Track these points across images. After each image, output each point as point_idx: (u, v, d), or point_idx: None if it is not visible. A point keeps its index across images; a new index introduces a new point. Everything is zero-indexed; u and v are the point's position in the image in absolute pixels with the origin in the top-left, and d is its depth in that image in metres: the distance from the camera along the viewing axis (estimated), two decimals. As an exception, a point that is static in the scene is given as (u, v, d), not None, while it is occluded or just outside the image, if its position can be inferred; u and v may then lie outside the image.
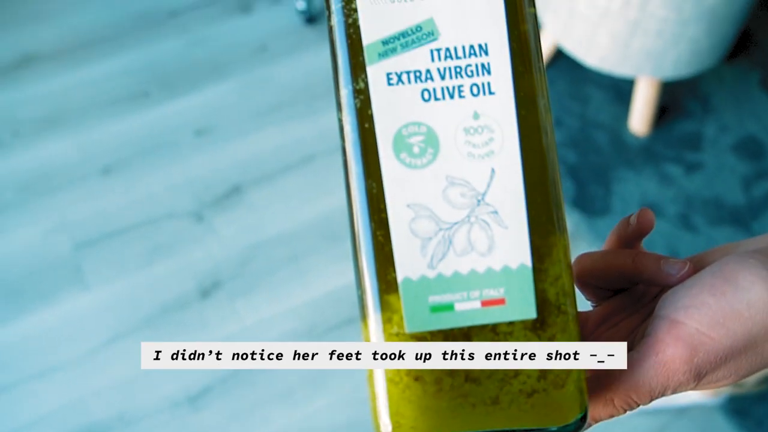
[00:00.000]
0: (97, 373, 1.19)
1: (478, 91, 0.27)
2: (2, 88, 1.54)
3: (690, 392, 1.14)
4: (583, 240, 1.35)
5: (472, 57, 0.27)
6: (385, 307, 0.27)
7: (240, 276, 1.29)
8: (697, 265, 0.31)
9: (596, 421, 0.29)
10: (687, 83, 1.56)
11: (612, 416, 0.29)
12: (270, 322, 1.25)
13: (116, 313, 1.25)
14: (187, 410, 1.16)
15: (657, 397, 0.28)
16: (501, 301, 0.27)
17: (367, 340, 0.27)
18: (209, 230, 1.35)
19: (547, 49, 1.51)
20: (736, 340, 0.26)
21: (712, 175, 1.44)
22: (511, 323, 0.27)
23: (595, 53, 1.36)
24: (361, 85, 0.27)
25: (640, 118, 1.47)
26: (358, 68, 0.27)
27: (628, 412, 0.29)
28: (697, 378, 0.27)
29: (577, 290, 0.34)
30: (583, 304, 0.34)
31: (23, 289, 1.28)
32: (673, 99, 1.54)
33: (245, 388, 1.18)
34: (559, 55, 1.57)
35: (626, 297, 0.33)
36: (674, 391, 0.28)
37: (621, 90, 1.54)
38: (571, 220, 1.37)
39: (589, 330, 0.33)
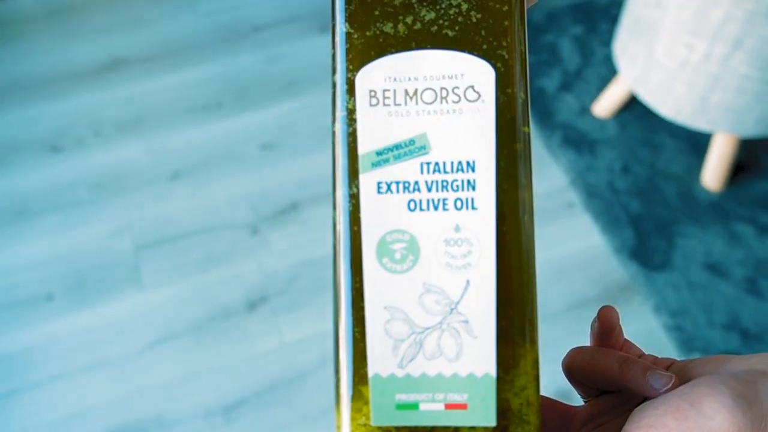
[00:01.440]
0: (141, 373, 1.23)
1: (461, 205, 0.29)
2: (91, 89, 1.63)
3: None
4: (638, 293, 1.31)
5: (459, 173, 0.29)
6: (356, 397, 0.29)
7: (287, 292, 1.32)
8: (682, 377, 0.31)
9: None
10: (769, 140, 1.48)
11: None
12: (310, 342, 1.26)
13: (166, 315, 1.29)
14: (221, 420, 1.19)
15: None
16: (463, 406, 0.28)
17: (339, 426, 0.29)
18: (263, 244, 1.38)
19: (621, 94, 1.47)
20: None
21: (787, 240, 1.37)
22: (472, 428, 0.28)
23: (671, 104, 1.31)
24: (354, 190, 0.29)
25: (713, 172, 1.41)
26: (353, 174, 0.29)
27: None
28: None
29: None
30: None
31: (84, 283, 1.34)
32: (752, 156, 1.47)
33: (279, 405, 1.20)
34: (634, 100, 1.53)
35: (614, 398, 0.34)
36: None
37: (697, 141, 1.48)
38: (627, 271, 1.33)
39: (575, 427, 0.34)
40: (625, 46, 1.37)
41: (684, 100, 1.29)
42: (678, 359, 0.33)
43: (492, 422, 0.28)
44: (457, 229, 0.29)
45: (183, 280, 1.34)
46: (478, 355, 0.28)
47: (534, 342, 0.29)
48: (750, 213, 1.40)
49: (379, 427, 0.29)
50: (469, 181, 0.29)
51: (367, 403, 0.29)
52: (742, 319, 1.27)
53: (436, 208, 0.29)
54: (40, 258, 1.38)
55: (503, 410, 0.28)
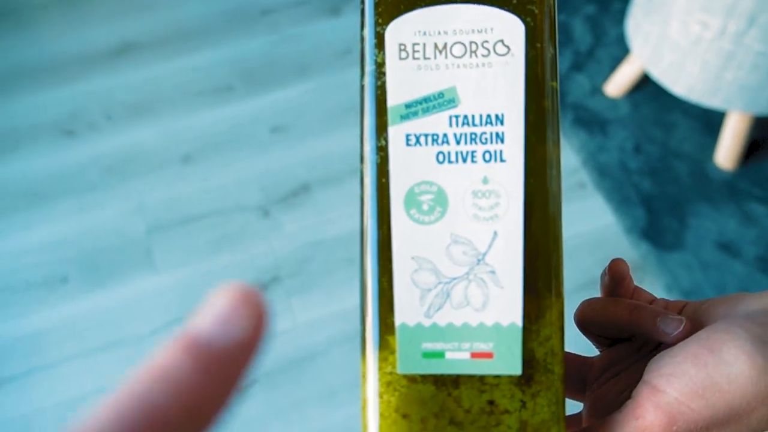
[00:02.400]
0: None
1: (490, 157, 0.29)
2: (103, 73, 1.63)
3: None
4: (649, 273, 1.30)
5: (488, 125, 0.29)
6: (383, 346, 0.29)
7: (298, 274, 1.32)
8: (696, 319, 0.31)
9: None
10: (784, 119, 1.46)
11: None
12: (321, 323, 1.27)
13: (179, 297, 1.31)
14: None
15: None
16: (489, 355, 0.29)
17: (364, 374, 0.29)
18: (274, 226, 1.38)
19: (634, 73, 1.46)
20: (716, 412, 0.26)
21: (801, 219, 1.35)
22: (497, 376, 0.29)
23: (684, 82, 1.30)
24: (383, 143, 0.29)
25: (727, 151, 1.40)
26: (381, 127, 0.30)
27: None
28: None
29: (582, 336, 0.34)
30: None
31: (98, 265, 1.35)
32: (766, 134, 1.46)
33: (290, 384, 1.21)
34: (646, 80, 1.51)
35: (628, 346, 0.34)
36: None
37: (710, 120, 1.47)
38: (639, 251, 1.32)
39: (593, 377, 0.34)
40: (638, 24, 1.35)
41: (697, 78, 1.28)
42: (691, 300, 0.33)
43: (517, 371, 0.28)
44: (485, 181, 0.29)
45: (195, 262, 1.35)
46: (505, 305, 0.28)
47: (560, 294, 0.29)
48: (763, 192, 1.39)
49: (405, 375, 0.29)
50: (497, 134, 0.29)
51: (393, 352, 0.29)
52: (755, 299, 1.27)
53: (464, 161, 0.29)
54: (54, 240, 1.39)
55: (528, 359, 0.28)
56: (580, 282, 1.29)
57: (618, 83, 1.50)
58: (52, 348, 1.26)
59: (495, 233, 0.29)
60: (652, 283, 1.30)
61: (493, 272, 0.29)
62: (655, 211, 1.37)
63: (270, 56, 1.65)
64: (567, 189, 1.41)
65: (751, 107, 1.29)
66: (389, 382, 0.29)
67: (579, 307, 0.34)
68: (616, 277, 0.34)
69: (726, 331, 0.27)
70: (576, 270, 1.30)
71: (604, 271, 0.34)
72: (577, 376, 0.34)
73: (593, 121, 1.49)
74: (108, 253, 1.37)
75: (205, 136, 1.52)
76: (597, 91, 1.53)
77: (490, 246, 0.29)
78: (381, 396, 0.29)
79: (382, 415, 0.29)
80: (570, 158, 1.45)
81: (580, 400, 0.34)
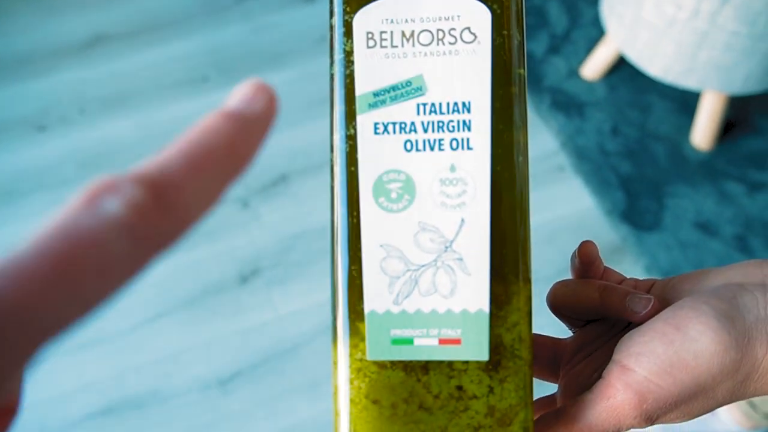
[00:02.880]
0: (136, 349, 1.24)
1: (457, 145, 0.29)
2: (74, 67, 1.61)
3: (728, 423, 1.09)
4: (629, 254, 1.31)
5: (455, 113, 0.29)
6: (353, 333, 0.29)
7: (279, 265, 1.32)
8: (664, 297, 0.32)
9: None
10: (759, 98, 1.48)
11: None
12: (303, 313, 1.26)
13: (159, 291, 1.29)
14: (217, 393, 1.20)
15: None
16: (457, 341, 0.29)
17: (335, 361, 0.30)
18: (254, 217, 1.37)
19: (610, 55, 1.46)
20: (683, 388, 0.27)
21: (777, 197, 1.37)
22: (465, 362, 0.29)
23: (659, 63, 1.30)
24: (351, 131, 0.30)
25: (703, 131, 1.41)
26: (350, 116, 0.30)
27: None
28: (648, 420, 0.28)
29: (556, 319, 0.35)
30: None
31: (75, 261, 1.34)
32: (742, 114, 1.47)
33: (274, 376, 1.21)
34: (623, 62, 1.52)
35: (600, 326, 0.34)
36: (629, 429, 0.29)
37: (686, 101, 1.48)
38: (619, 233, 1.33)
39: (566, 358, 0.34)
40: (613, 5, 1.35)
41: (672, 59, 1.28)
42: (659, 278, 0.33)
43: (485, 357, 0.29)
44: (453, 168, 0.29)
45: (174, 255, 1.33)
46: (472, 292, 0.29)
47: (527, 280, 0.29)
48: (740, 171, 1.40)
49: (375, 362, 0.29)
50: (464, 122, 0.29)
51: (363, 339, 0.29)
52: (733, 277, 1.28)
53: (432, 149, 0.29)
54: (29, 238, 1.37)
55: (496, 345, 0.29)
56: (561, 266, 1.30)
57: (594, 65, 1.50)
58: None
59: (462, 220, 0.29)
60: (632, 264, 1.30)
61: (460, 259, 0.29)
62: (634, 193, 1.38)
63: (245, 45, 1.63)
64: (545, 173, 1.42)
65: (725, 87, 1.30)
66: (359, 368, 0.29)
67: (551, 289, 0.35)
68: (585, 259, 0.34)
69: (691, 308, 0.28)
70: (556, 254, 1.31)
71: (574, 253, 0.35)
72: (551, 357, 0.34)
73: (570, 104, 1.49)
74: (85, 249, 1.35)
75: (181, 128, 1.50)
76: (574, 73, 1.53)
77: (457, 233, 0.29)
78: (351, 382, 0.29)
79: (352, 401, 0.29)
80: (548, 142, 1.45)
81: (554, 382, 0.34)
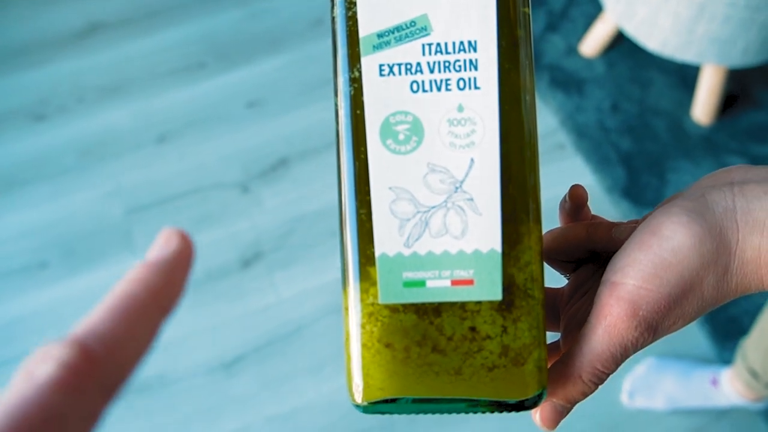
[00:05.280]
0: (140, 334, 1.24)
1: (464, 85, 0.29)
2: (71, 56, 1.60)
3: (731, 395, 1.10)
4: (631, 231, 1.31)
5: (461, 53, 0.29)
6: (363, 278, 0.29)
7: (281, 248, 1.32)
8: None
9: (572, 403, 0.30)
10: (760, 70, 1.47)
11: (585, 394, 0.29)
12: (305, 296, 1.27)
13: (161, 277, 1.29)
14: (222, 376, 1.20)
15: (622, 360, 0.29)
16: (470, 282, 0.29)
17: (346, 307, 0.29)
18: (255, 202, 1.37)
19: (608, 31, 1.45)
20: (672, 288, 0.27)
21: (778, 169, 1.36)
22: (478, 303, 0.29)
23: (657, 37, 1.30)
24: (356, 74, 0.29)
25: (703, 106, 1.40)
26: (354, 58, 0.29)
27: (599, 386, 0.30)
28: (650, 330, 0.28)
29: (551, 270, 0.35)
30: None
31: (77, 249, 1.34)
32: (741, 87, 1.46)
33: (278, 358, 1.21)
34: (621, 38, 1.51)
35: (592, 266, 0.35)
36: (636, 350, 0.29)
37: (686, 75, 1.47)
38: (620, 209, 1.33)
39: (564, 302, 0.35)
40: (610, -19, 1.34)
41: (670, 32, 1.28)
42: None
43: (498, 296, 0.29)
44: (461, 108, 0.29)
45: (176, 241, 1.33)
46: (484, 232, 0.29)
47: (538, 220, 0.29)
48: (740, 145, 1.40)
49: (387, 306, 0.29)
50: (471, 61, 0.29)
51: (374, 283, 0.29)
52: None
53: (438, 89, 0.29)
54: (31, 227, 1.37)
55: (508, 285, 0.29)
56: (562, 242, 1.30)
57: (593, 42, 1.49)
58: (34, 335, 1.25)
59: (472, 160, 0.29)
60: (633, 240, 1.30)
61: (471, 199, 0.29)
62: (635, 169, 1.38)
63: (241, 30, 1.62)
64: (546, 151, 1.41)
65: (724, 59, 1.29)
66: (371, 312, 0.29)
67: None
68: (576, 201, 0.34)
69: (662, 213, 0.29)
70: (558, 230, 1.31)
71: (564, 197, 0.35)
72: (551, 307, 0.35)
73: (570, 82, 1.49)
74: (87, 237, 1.35)
75: (180, 114, 1.50)
76: (572, 51, 1.52)
77: (467, 173, 0.29)
78: (363, 327, 0.29)
79: (365, 346, 0.29)
80: (548, 120, 1.45)
81: (557, 330, 0.34)
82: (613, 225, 0.33)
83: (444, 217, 0.29)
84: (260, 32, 1.62)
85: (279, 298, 1.26)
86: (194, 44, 1.60)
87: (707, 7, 1.21)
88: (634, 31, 1.33)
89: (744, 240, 0.27)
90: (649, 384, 1.14)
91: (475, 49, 0.29)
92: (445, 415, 0.29)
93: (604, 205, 1.34)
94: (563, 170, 1.38)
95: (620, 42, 1.51)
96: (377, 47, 0.29)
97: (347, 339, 0.29)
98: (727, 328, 1.21)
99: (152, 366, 1.21)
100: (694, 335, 1.22)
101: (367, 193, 0.29)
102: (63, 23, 1.65)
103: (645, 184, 1.36)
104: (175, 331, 1.23)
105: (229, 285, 1.28)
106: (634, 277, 0.28)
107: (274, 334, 1.23)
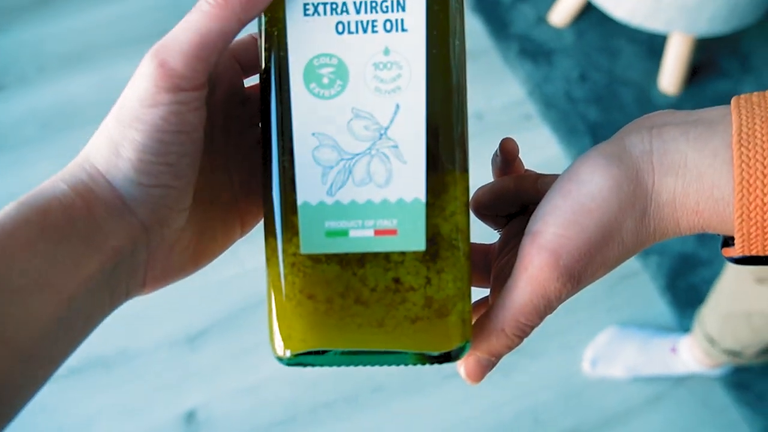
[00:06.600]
0: (103, 307, 1.23)
1: (391, 27, 0.28)
2: (30, 23, 1.56)
3: (689, 362, 1.11)
4: (596, 201, 1.31)
5: None
6: (286, 227, 0.28)
7: (246, 220, 1.31)
8: None
9: (497, 357, 0.29)
10: (726, 40, 1.47)
11: (509, 347, 0.29)
12: (271, 267, 1.26)
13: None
14: (186, 349, 1.20)
15: (546, 313, 0.28)
16: (393, 232, 0.28)
17: (268, 257, 0.29)
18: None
19: (575, 1, 1.44)
20: (592, 233, 0.27)
21: (743, 139, 1.37)
22: (402, 253, 0.28)
23: (625, 5, 1.29)
24: (280, 13, 0.28)
25: (670, 75, 1.40)
26: None
27: (524, 339, 0.29)
28: (573, 280, 0.27)
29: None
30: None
31: (38, 221, 1.32)
32: (709, 56, 1.46)
33: (242, 331, 1.21)
34: (590, 7, 1.50)
35: (522, 219, 0.34)
36: (560, 301, 0.28)
37: (654, 45, 1.47)
38: (586, 180, 1.33)
39: (494, 257, 0.34)
40: (578, -52, 1.33)
41: (637, 1, 1.27)
42: None
43: (422, 247, 0.28)
44: (387, 51, 0.28)
45: (139, 212, 1.32)
46: (408, 181, 0.28)
47: (465, 169, 0.28)
48: (707, 115, 1.40)
49: (309, 256, 0.28)
50: (398, 2, 0.28)
51: (296, 233, 0.28)
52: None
53: (365, 31, 0.28)
54: (-10, 199, 1.35)
55: (433, 236, 0.28)
56: (529, 213, 1.30)
57: (562, 12, 1.48)
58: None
59: (397, 106, 0.28)
60: (599, 210, 1.31)
61: (395, 147, 0.28)
62: (602, 139, 1.37)
63: (206, -1, 1.59)
64: (513, 121, 1.41)
65: (691, 28, 1.29)
66: (293, 263, 0.28)
67: (473, 195, 0.34)
68: (507, 156, 0.34)
69: (581, 159, 0.28)
70: (524, 201, 1.31)
71: (496, 152, 0.34)
72: (483, 263, 0.34)
73: (538, 52, 1.48)
74: (48, 209, 1.33)
75: (143, 84, 1.47)
76: (542, 20, 1.51)
77: (392, 120, 0.28)
78: (285, 278, 0.28)
79: (287, 297, 0.28)
80: (515, 90, 1.44)
81: (488, 286, 0.34)
82: (538, 175, 0.33)
83: (368, 164, 0.28)
84: None
85: (243, 269, 1.26)
86: (161, 11, 1.57)
87: (673, -25, 1.20)
88: (602, 0, 1.32)
89: (660, 182, 0.27)
90: (611, 353, 1.16)
91: None
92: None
93: (570, 176, 1.34)
94: (530, 140, 1.38)
95: (590, 11, 1.50)
96: None
97: (269, 290, 0.29)
98: (687, 297, 1.22)
99: (114, 340, 1.20)
100: (655, 304, 1.23)
101: (290, 138, 0.28)
102: (22, -10, 1.61)
103: (611, 154, 1.36)
104: (135, 305, 1.22)
105: (193, 257, 1.27)
106: (554, 225, 0.27)
107: (238, 307, 1.23)
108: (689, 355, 1.10)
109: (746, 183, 0.25)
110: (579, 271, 0.27)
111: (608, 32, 1.49)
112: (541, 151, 1.37)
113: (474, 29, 1.51)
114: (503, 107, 1.42)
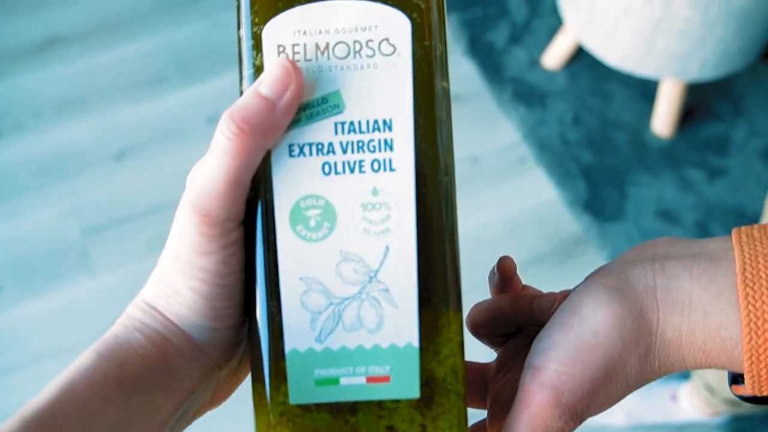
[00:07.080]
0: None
1: (378, 167, 0.27)
2: (28, 70, 1.57)
3: (689, 410, 1.11)
4: (591, 245, 1.32)
5: (376, 132, 0.27)
6: (274, 375, 0.27)
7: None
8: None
9: None
10: (718, 83, 1.48)
11: None
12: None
13: (120, 299, 1.27)
14: None
15: None
16: (386, 379, 0.27)
17: (256, 404, 0.28)
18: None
19: (569, 44, 1.46)
20: (594, 372, 0.26)
21: (737, 182, 1.38)
22: (396, 401, 0.27)
23: (617, 52, 1.30)
24: (265, 154, 0.27)
25: (663, 119, 1.41)
26: None
27: None
28: (575, 417, 0.27)
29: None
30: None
31: (33, 270, 1.31)
32: (702, 100, 1.48)
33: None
34: (583, 50, 1.52)
35: (520, 339, 0.34)
36: None
37: (647, 88, 1.48)
38: (581, 224, 1.33)
39: (491, 378, 0.33)
40: (569, -5, 1.35)
41: (629, 47, 1.28)
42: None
43: (416, 394, 0.27)
44: (375, 192, 0.27)
45: (134, 262, 1.31)
46: (400, 325, 0.27)
47: (458, 308, 0.28)
48: (700, 157, 1.41)
49: (299, 406, 0.27)
50: (386, 141, 0.27)
51: (285, 380, 0.27)
52: (695, 264, 1.29)
53: (352, 171, 0.27)
54: (-15, 249, 1.34)
55: (427, 380, 0.27)
56: (526, 259, 1.30)
57: (555, 55, 1.50)
58: (-10, 360, 1.23)
59: (387, 248, 0.27)
60: (595, 255, 1.31)
61: (386, 290, 0.27)
62: (596, 183, 1.38)
63: (202, 44, 1.60)
64: (508, 165, 1.41)
65: (681, 74, 1.30)
66: (282, 412, 0.27)
67: (469, 313, 0.34)
68: (504, 274, 0.34)
69: (583, 291, 0.28)
70: (521, 247, 1.31)
71: (493, 269, 0.34)
72: (480, 383, 0.34)
73: (532, 95, 1.49)
74: (43, 258, 1.32)
75: (139, 130, 1.48)
76: (535, 63, 1.53)
77: (382, 262, 0.27)
78: (274, 428, 0.27)
79: None
80: (510, 134, 1.45)
81: (485, 407, 0.33)
82: (534, 296, 0.33)
83: (358, 309, 0.27)
84: (221, 46, 1.60)
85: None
86: (154, 58, 1.58)
87: (664, 22, 1.21)
88: (593, 45, 1.33)
89: (665, 320, 0.26)
90: (610, 401, 1.15)
91: (390, 128, 0.27)
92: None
93: (565, 219, 1.34)
94: (525, 184, 1.38)
95: (582, 54, 1.52)
96: (287, 126, 0.28)
97: None
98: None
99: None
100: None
101: (277, 283, 0.27)
102: (20, 36, 1.62)
103: (606, 198, 1.37)
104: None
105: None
106: (556, 361, 0.27)
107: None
108: (689, 403, 1.10)
109: (754, 325, 0.25)
110: (582, 409, 0.27)
111: (601, 75, 1.50)
112: (537, 195, 1.37)
113: (467, 72, 1.52)
114: (498, 151, 1.43)
